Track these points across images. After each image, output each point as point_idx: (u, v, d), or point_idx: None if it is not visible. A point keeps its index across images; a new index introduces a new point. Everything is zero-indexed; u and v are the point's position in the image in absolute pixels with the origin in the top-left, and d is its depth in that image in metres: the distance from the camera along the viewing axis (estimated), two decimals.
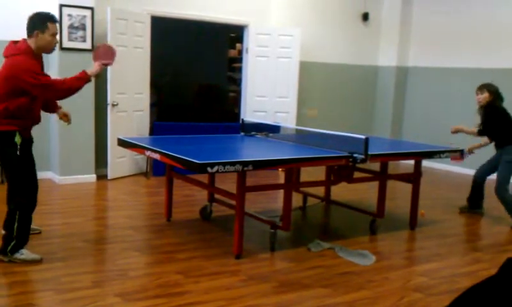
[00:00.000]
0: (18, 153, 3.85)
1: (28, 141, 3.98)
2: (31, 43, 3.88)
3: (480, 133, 5.74)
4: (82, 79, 4.01)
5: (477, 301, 0.95)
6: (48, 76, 3.95)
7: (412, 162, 5.45)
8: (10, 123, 3.84)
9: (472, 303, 0.96)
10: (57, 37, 4.09)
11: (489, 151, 5.96)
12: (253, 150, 5.17)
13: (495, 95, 5.67)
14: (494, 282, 0.95)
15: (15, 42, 3.94)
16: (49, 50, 4.01)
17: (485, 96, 5.66)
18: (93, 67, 4.13)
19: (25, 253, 3.97)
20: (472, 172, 6.18)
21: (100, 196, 6.48)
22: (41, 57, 4.02)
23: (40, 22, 3.88)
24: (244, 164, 3.96)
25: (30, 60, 3.84)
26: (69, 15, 6.46)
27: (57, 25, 4.04)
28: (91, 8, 6.64)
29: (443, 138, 6.94)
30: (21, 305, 3.29)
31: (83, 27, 6.59)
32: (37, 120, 4.09)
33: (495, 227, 5.74)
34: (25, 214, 3.96)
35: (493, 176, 5.91)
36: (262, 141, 5.50)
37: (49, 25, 3.90)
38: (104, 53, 4.27)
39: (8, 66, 3.83)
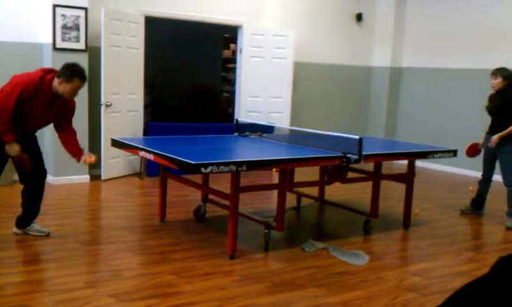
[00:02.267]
0: None
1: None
2: (55, 80, 4.17)
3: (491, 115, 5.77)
4: (4, 135, 4.12)
5: (468, 300, 0.96)
6: (11, 102, 4.02)
7: (406, 162, 5.47)
8: None
9: (464, 302, 0.96)
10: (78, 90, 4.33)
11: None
12: (247, 150, 5.17)
13: (509, 80, 5.63)
14: (486, 281, 0.96)
15: (48, 72, 4.23)
16: (67, 97, 4.27)
17: (498, 81, 5.64)
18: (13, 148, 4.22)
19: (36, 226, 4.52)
20: (466, 172, 6.20)
21: (93, 196, 6.46)
22: (54, 95, 4.22)
23: (68, 73, 4.16)
24: (238, 164, 3.96)
25: (30, 84, 4.09)
26: (62, 15, 6.44)
27: (83, 83, 4.28)
28: (85, 8, 6.62)
29: (437, 138, 6.97)
30: (15, 306, 3.28)
31: (77, 28, 6.56)
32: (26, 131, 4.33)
33: (489, 227, 5.76)
34: (37, 187, 4.49)
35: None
36: (256, 141, 5.50)
37: (75, 80, 4.18)
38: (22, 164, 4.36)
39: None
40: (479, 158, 6.04)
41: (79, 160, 4.54)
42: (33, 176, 4.38)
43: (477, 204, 6.08)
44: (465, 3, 8.75)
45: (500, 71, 5.67)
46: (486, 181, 5.97)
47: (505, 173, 5.66)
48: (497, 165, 5.82)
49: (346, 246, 4.70)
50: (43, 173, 4.54)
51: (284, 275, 3.98)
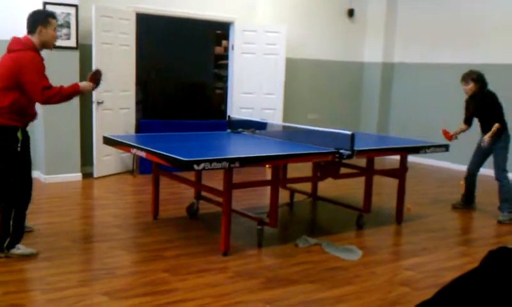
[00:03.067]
0: (19, 149, 3.92)
1: (28, 138, 4.05)
2: (34, 39, 3.98)
3: (468, 121, 5.90)
4: (75, 91, 4.11)
5: (459, 293, 0.97)
6: (45, 77, 3.97)
7: (398, 157, 5.49)
8: (12, 119, 3.89)
9: (455, 295, 0.97)
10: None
11: (472, 141, 6.00)
12: (239, 147, 5.17)
13: (480, 83, 5.72)
14: (476, 274, 0.97)
15: (18, 38, 4.01)
16: (51, 45, 4.13)
17: (470, 87, 5.73)
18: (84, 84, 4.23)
19: (21, 248, 4.04)
20: (458, 167, 6.23)
21: (86, 194, 6.44)
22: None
23: (42, 18, 4.01)
24: (231, 161, 3.96)
25: (38, 57, 3.96)
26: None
27: (56, 21, 4.16)
28: (76, 6, 6.58)
29: (429, 133, 6.99)
30: (7, 305, 3.26)
31: (67, 25, 6.53)
32: (35, 117, 4.16)
33: (481, 221, 5.80)
34: (21, 210, 4.02)
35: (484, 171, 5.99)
36: (249, 137, 5.50)
37: (51, 20, 4.05)
38: (97, 79, 4.35)
39: (15, 60, 3.88)
40: (469, 150, 6.07)
41: None
42: (26, 184, 4.06)
43: (468, 199, 6.12)
44: None
45: (469, 76, 5.75)
46: (472, 176, 6.03)
47: (498, 168, 5.70)
48: (487, 162, 5.88)
49: (339, 241, 4.71)
50: (31, 183, 4.17)
51: (277, 271, 3.99)
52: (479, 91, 5.73)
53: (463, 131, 5.99)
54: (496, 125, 5.57)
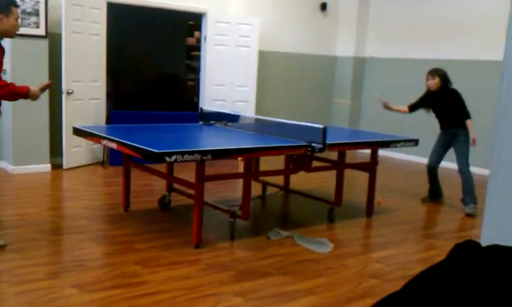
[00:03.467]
0: None
1: None
2: None
3: (412, 109, 6.18)
4: (24, 93, 3.97)
5: (426, 285, 0.99)
6: None
7: (369, 151, 5.55)
8: None
9: (421, 287, 0.99)
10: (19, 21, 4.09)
11: (435, 136, 6.14)
12: (212, 139, 5.16)
13: (445, 80, 5.90)
14: (442, 267, 0.99)
15: None
16: (13, 34, 4.02)
17: (436, 81, 5.88)
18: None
19: None
20: (427, 161, 6.32)
21: (55, 186, 6.34)
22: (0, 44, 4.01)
23: (3, 6, 3.89)
24: (203, 153, 3.95)
25: None
26: (22, 0, 6.25)
27: (19, 9, 4.05)
28: None
29: (400, 128, 7.09)
30: None
31: (36, 13, 6.39)
32: None
33: (449, 215, 5.91)
34: None
35: (446, 164, 6.11)
36: (221, 130, 5.49)
37: (13, 9, 3.93)
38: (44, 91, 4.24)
39: None
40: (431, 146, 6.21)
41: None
42: None
43: (434, 193, 6.25)
44: None
45: (437, 72, 5.92)
46: (434, 170, 6.16)
47: (461, 160, 5.85)
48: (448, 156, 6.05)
49: (311, 234, 4.75)
50: None
51: (249, 264, 4.00)
52: (442, 88, 5.89)
53: (400, 112, 6.28)
54: (470, 122, 5.76)
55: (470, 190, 5.81)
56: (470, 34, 8.29)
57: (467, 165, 5.84)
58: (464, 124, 5.81)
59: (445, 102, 5.90)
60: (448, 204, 6.19)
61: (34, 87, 4.07)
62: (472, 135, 5.75)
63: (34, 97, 4.09)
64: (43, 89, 4.14)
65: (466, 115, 5.81)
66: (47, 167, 6.74)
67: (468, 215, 5.73)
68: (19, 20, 4.06)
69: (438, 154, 6.10)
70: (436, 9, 8.76)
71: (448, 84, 5.92)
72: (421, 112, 6.21)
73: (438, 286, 0.94)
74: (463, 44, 8.38)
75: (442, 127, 6.03)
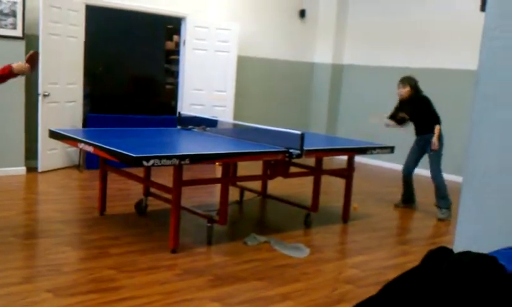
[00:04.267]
0: None
1: None
2: None
3: (392, 118, 6.26)
4: (9, 72, 3.99)
5: (399, 291, 1.02)
6: None
7: (346, 157, 5.61)
8: None
9: (395, 293, 1.02)
10: None
11: (409, 144, 6.24)
12: (190, 144, 5.15)
13: (415, 89, 6.06)
14: (416, 273, 1.03)
15: None
16: None
17: (407, 90, 6.03)
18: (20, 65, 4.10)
19: None
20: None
21: (30, 189, 6.26)
22: None
23: None
24: (181, 157, 3.95)
25: None
26: None
27: None
28: None
29: (376, 135, 7.17)
30: None
31: (13, 14, 6.32)
32: None
33: (423, 221, 6.00)
34: None
35: (419, 171, 6.20)
36: (199, 134, 5.49)
37: None
38: (34, 62, 4.25)
39: None
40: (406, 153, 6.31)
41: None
42: None
43: (407, 198, 6.35)
44: (405, 3, 9.03)
45: (408, 81, 6.09)
46: (408, 175, 6.26)
47: (435, 166, 5.97)
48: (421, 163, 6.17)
49: (287, 239, 4.78)
50: None
51: (226, 269, 4.01)
52: (413, 96, 6.03)
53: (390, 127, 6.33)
54: (437, 127, 5.88)
55: (443, 195, 5.93)
56: (445, 44, 8.44)
57: (439, 171, 5.97)
58: (433, 131, 5.93)
59: (417, 109, 6.03)
60: (422, 210, 6.28)
61: (18, 63, 4.05)
62: (434, 139, 5.85)
63: (24, 71, 4.10)
64: (30, 61, 4.12)
65: (436, 120, 5.93)
66: (21, 170, 6.64)
67: (441, 220, 5.85)
68: None
69: (413, 160, 6.20)
70: (413, 18, 8.89)
71: (418, 92, 6.05)
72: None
73: (411, 291, 0.97)
74: (438, 53, 8.52)
75: (417, 133, 6.16)
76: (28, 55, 4.23)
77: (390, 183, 7.80)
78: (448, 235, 5.40)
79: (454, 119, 7.09)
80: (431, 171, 5.99)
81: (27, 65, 4.12)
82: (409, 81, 6.05)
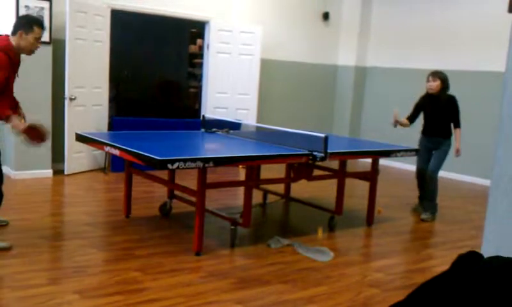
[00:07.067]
0: None
1: None
2: (13, 41, 4.04)
3: (412, 120, 6.12)
4: (3, 114, 4.00)
5: (429, 296, 1.01)
6: (4, 78, 3.95)
7: (370, 160, 5.57)
8: None
9: (425, 298, 1.01)
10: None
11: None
12: (213, 147, 5.17)
13: (446, 84, 5.89)
14: (445, 278, 1.01)
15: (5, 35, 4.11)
16: (29, 51, 4.16)
17: (437, 83, 5.86)
18: (20, 124, 4.10)
19: None
20: None
21: (56, 191, 6.36)
22: (19, 55, 4.16)
23: (25, 23, 4.08)
24: (205, 160, 3.97)
25: (4, 58, 3.94)
26: (26, 7, 6.29)
27: (43, 31, 4.19)
28: (50, 0, 6.49)
29: (400, 137, 7.11)
30: None
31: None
32: (3, 115, 4.04)
33: (448, 225, 5.92)
34: None
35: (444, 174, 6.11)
36: (223, 137, 5.51)
37: (35, 28, 4.08)
38: (36, 135, 4.16)
39: None
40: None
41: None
42: None
43: (424, 198, 6.25)
44: (429, 4, 8.93)
45: (438, 74, 5.91)
46: (423, 176, 6.11)
47: (436, 166, 5.91)
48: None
49: (311, 243, 4.76)
50: (2, 179, 4.26)
51: (250, 272, 4.01)
52: (441, 91, 5.87)
53: (403, 126, 6.11)
54: (459, 130, 5.80)
55: (432, 197, 5.92)
56: (471, 45, 8.32)
57: (438, 171, 5.91)
58: (449, 135, 5.85)
59: (441, 106, 5.88)
60: (446, 213, 6.19)
61: (21, 122, 4.10)
62: (457, 145, 5.76)
63: (16, 130, 4.05)
64: (30, 132, 4.04)
65: (458, 123, 5.84)
66: (48, 172, 6.75)
67: (423, 221, 5.86)
68: (39, 41, 4.16)
69: (426, 160, 6.06)
70: (438, 19, 8.79)
71: (447, 89, 5.91)
72: (419, 122, 6.21)
73: (441, 296, 0.95)
74: (463, 54, 8.40)
75: (427, 133, 6.01)
76: (33, 125, 4.11)
77: (415, 186, 7.70)
78: (476, 239, 5.32)
79: (480, 122, 6.98)
80: (432, 166, 5.90)
81: (25, 125, 4.06)
82: (440, 75, 5.86)
